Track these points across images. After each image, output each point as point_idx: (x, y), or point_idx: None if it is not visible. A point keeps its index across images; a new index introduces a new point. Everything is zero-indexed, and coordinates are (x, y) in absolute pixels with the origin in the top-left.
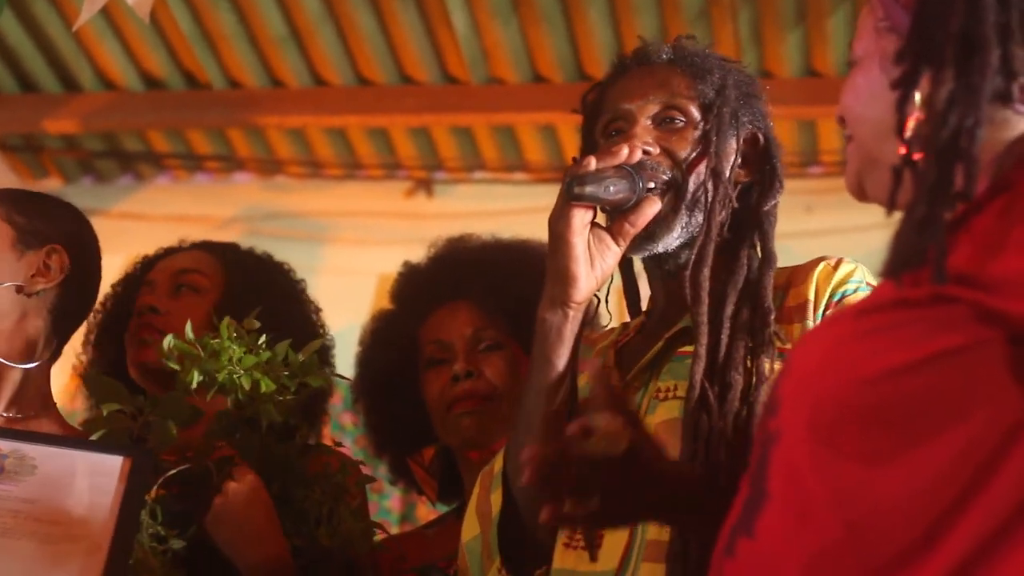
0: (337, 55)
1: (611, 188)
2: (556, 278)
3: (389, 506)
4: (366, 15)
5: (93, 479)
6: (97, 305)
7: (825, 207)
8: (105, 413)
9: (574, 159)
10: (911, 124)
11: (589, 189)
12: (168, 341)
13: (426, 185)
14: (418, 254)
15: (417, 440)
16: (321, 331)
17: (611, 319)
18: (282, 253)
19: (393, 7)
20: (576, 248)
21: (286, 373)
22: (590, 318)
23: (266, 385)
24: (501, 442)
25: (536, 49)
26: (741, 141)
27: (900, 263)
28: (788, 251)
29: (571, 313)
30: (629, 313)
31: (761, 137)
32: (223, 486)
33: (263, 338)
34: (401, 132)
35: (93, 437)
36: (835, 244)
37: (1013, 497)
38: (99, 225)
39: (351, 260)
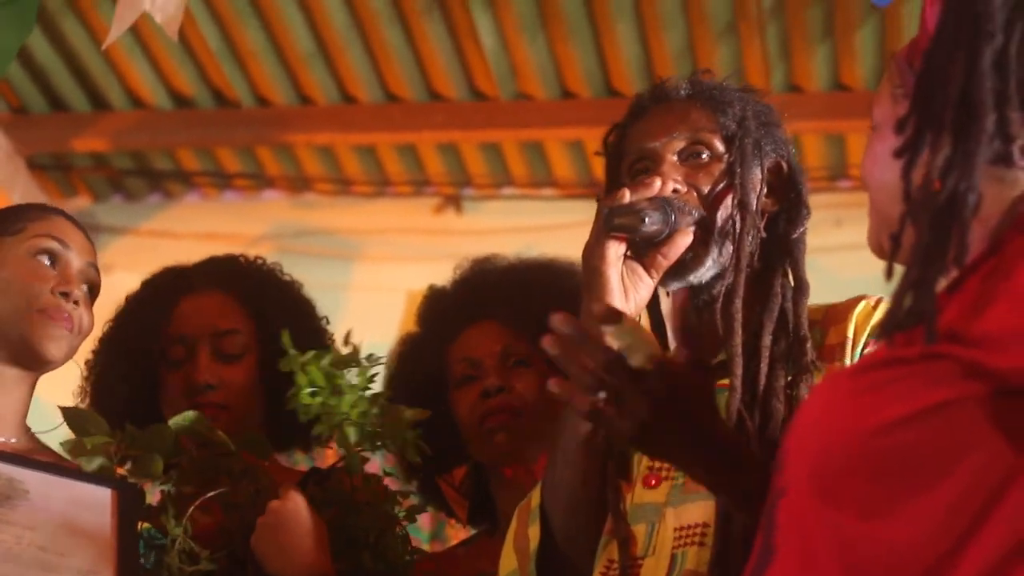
0: (365, 72)
1: (647, 220)
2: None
3: (419, 524)
4: (394, 32)
5: (85, 509)
6: (99, 346)
7: (854, 221)
8: (90, 446)
9: (598, 197)
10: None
11: (627, 220)
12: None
13: (455, 201)
14: (447, 270)
15: (447, 461)
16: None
17: None
18: (311, 271)
19: (421, 24)
20: (611, 281)
21: (379, 426)
22: None
23: (368, 438)
24: (537, 458)
25: (564, 65)
26: (765, 170)
27: (894, 324)
28: (818, 265)
29: None
30: None
31: (785, 165)
32: (265, 506)
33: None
34: (430, 149)
35: (88, 468)
36: (865, 258)
37: (1006, 544)
38: (129, 243)
39: (380, 277)
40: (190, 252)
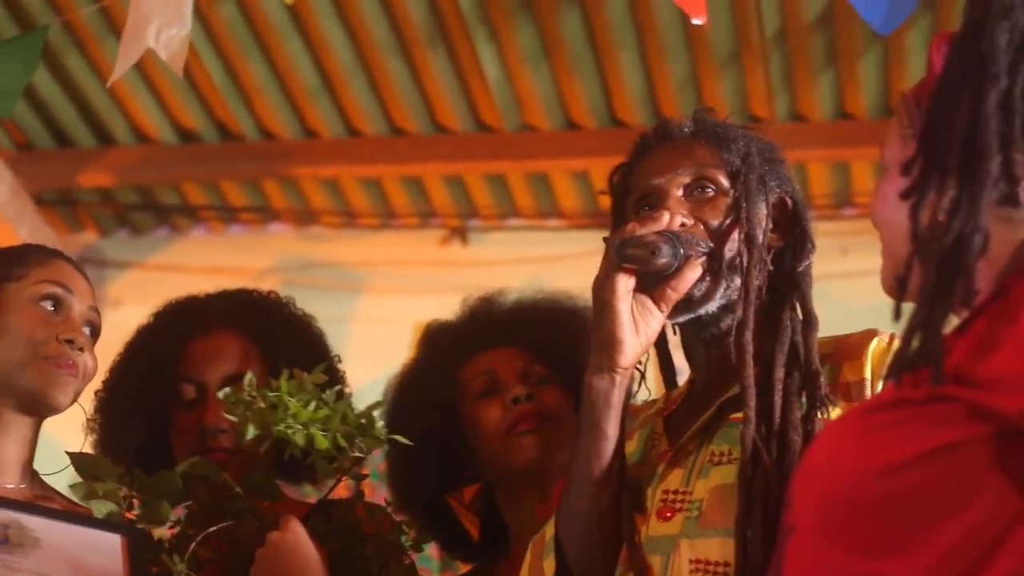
0: (370, 105)
1: (657, 252)
2: (602, 344)
3: (429, 554)
4: (398, 65)
5: (96, 556)
6: (110, 377)
7: (860, 248)
8: (101, 492)
9: (605, 239)
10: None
11: (639, 252)
12: (226, 394)
13: (461, 233)
14: (453, 302)
15: (456, 479)
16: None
17: (650, 393)
18: (317, 303)
19: (425, 56)
20: (622, 314)
21: (341, 432)
22: (632, 389)
23: (320, 442)
24: (558, 476)
25: (568, 96)
26: (770, 206)
27: (902, 364)
28: (825, 293)
29: (618, 379)
30: (665, 386)
31: (789, 201)
32: (265, 537)
33: (324, 393)
34: (435, 180)
35: (98, 514)
36: (871, 285)
37: None
38: (136, 278)
39: (387, 309)
40: (197, 286)
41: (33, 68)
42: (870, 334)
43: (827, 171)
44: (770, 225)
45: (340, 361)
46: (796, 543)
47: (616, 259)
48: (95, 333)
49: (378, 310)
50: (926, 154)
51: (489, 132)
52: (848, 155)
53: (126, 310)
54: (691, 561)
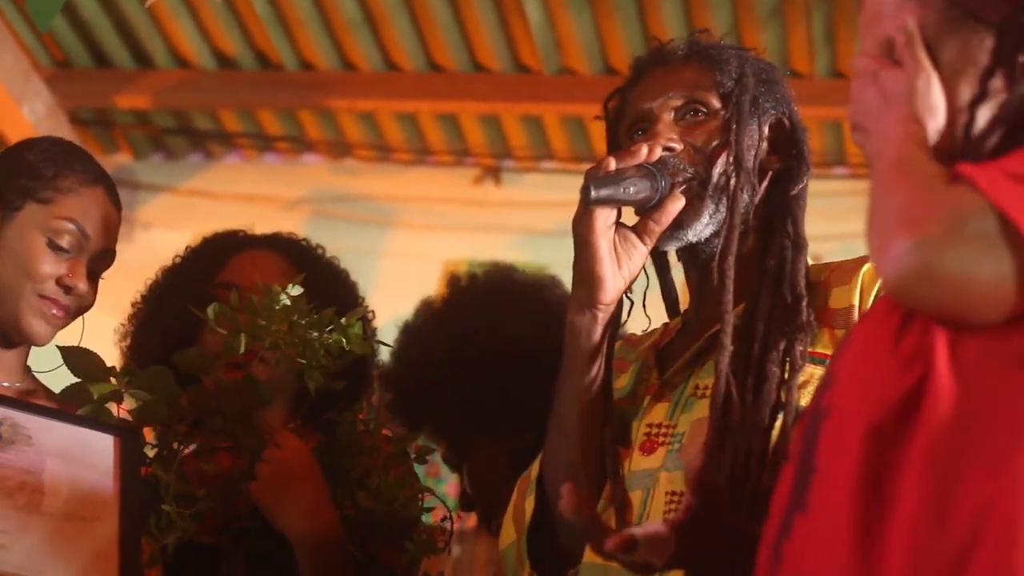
0: (410, 41)
1: (630, 189)
2: (582, 281)
3: (444, 491)
4: (440, 2)
5: (88, 455)
6: (149, 289)
7: None
8: (96, 395)
9: (587, 171)
10: None
11: (606, 192)
12: (213, 309)
13: (494, 173)
14: (483, 241)
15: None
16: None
17: (650, 322)
18: (348, 235)
19: None
20: (600, 250)
21: (330, 339)
22: (621, 318)
23: (305, 351)
24: None
25: (609, 41)
26: (767, 128)
27: None
28: (855, 252)
29: (600, 315)
30: (668, 314)
31: (787, 122)
32: (267, 454)
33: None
34: (471, 119)
35: (81, 412)
36: None
37: None
38: (168, 202)
39: (417, 245)
40: (229, 212)
41: None
42: (862, 260)
43: None
44: (765, 147)
45: (374, 316)
46: (832, 424)
47: (584, 202)
48: (102, 270)
49: (408, 245)
50: None
51: (528, 74)
52: None
53: (156, 233)
54: (667, 494)
